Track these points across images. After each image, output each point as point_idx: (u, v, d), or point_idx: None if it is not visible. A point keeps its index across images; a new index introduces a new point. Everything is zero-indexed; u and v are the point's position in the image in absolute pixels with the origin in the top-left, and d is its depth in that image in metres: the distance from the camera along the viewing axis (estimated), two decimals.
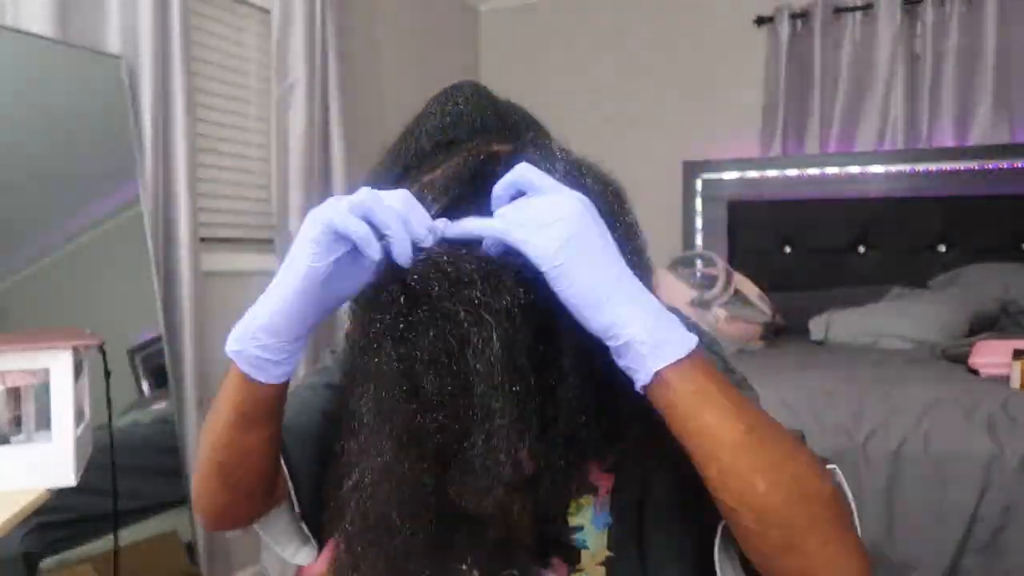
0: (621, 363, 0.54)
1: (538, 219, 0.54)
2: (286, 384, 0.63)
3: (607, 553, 0.66)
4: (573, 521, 0.67)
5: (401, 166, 0.65)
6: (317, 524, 0.74)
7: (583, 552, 0.66)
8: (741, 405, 0.54)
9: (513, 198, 0.57)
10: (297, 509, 0.73)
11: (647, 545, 0.65)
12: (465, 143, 0.65)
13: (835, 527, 0.54)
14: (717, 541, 0.60)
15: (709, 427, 0.53)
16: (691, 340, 0.54)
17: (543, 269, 0.53)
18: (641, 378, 0.53)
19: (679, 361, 0.53)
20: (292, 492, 0.72)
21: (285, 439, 0.70)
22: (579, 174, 0.63)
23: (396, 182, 0.62)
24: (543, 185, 0.56)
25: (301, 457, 0.73)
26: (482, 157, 0.63)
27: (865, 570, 0.54)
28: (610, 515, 0.66)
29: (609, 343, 0.54)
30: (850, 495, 0.57)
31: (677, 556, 0.64)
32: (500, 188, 0.58)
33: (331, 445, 0.68)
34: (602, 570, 0.66)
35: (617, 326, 0.53)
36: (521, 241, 0.53)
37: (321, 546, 0.77)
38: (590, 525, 0.67)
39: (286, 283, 0.57)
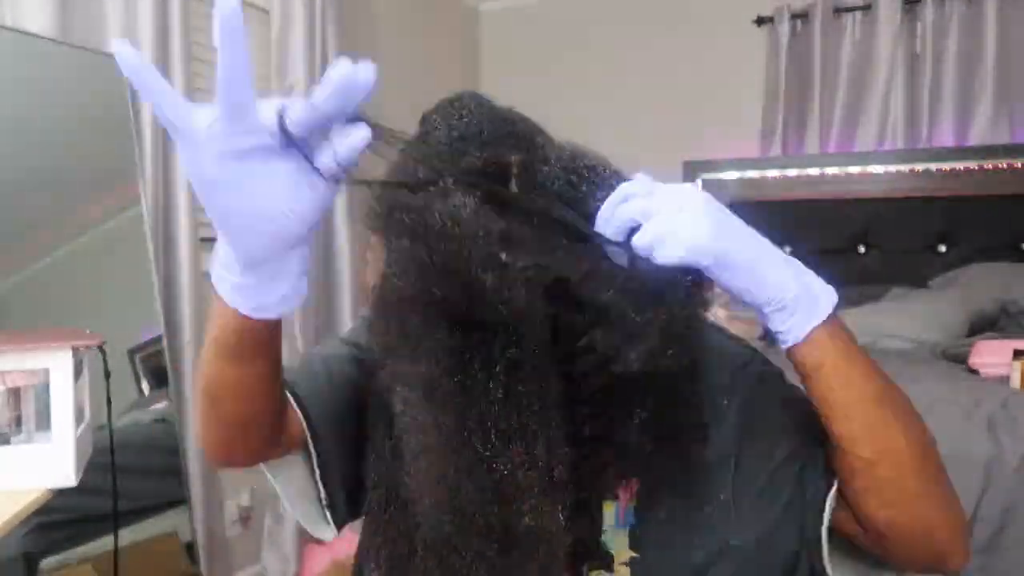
0: (775, 326, 0.57)
1: (678, 221, 0.54)
2: (276, 321, 0.59)
3: (631, 554, 0.67)
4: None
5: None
6: (340, 499, 0.74)
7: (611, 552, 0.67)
8: (874, 362, 0.59)
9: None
10: (323, 494, 0.73)
11: (671, 545, 0.66)
12: (475, 156, 0.63)
13: (948, 480, 0.61)
14: (824, 529, 0.62)
15: (854, 382, 0.57)
16: (834, 294, 0.58)
17: (705, 263, 0.54)
18: (796, 338, 0.56)
19: (829, 317, 0.57)
20: (315, 458, 0.71)
21: (309, 400, 0.71)
22: (597, 177, 0.62)
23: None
24: (651, 190, 0.57)
25: (328, 431, 0.72)
26: (494, 169, 0.62)
27: (967, 526, 0.62)
28: (634, 516, 0.67)
29: (767, 310, 0.56)
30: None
31: (743, 555, 0.65)
32: (607, 210, 0.57)
33: (358, 419, 0.71)
34: (626, 570, 0.67)
35: (782, 290, 0.55)
36: (674, 245, 0.54)
37: (340, 519, 0.76)
38: (612, 527, 0.67)
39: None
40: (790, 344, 0.57)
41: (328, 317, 2.56)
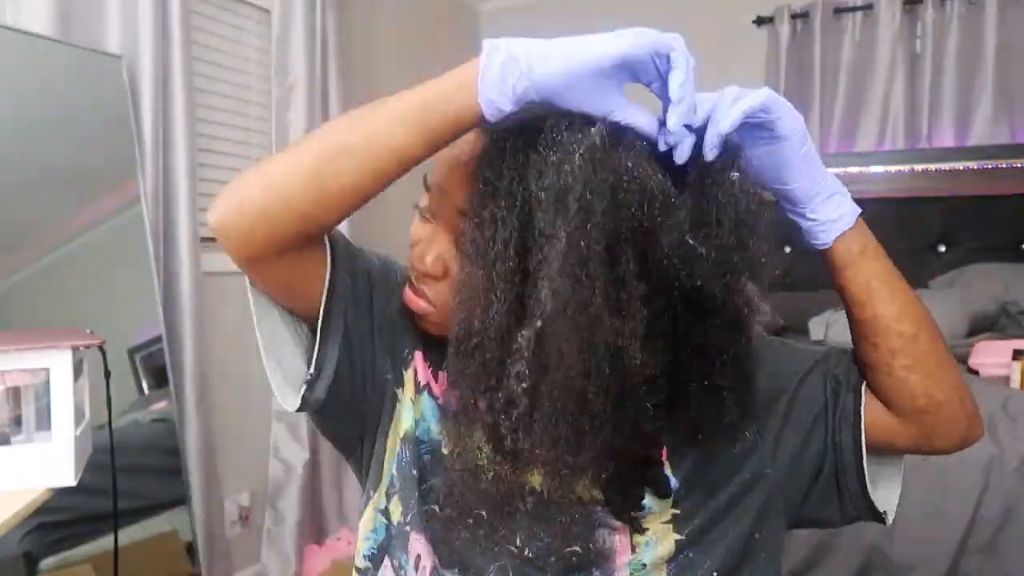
0: (824, 217, 0.63)
1: (781, 106, 0.59)
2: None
3: (673, 511, 0.68)
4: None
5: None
6: (328, 371, 0.69)
7: (650, 515, 0.67)
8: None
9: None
10: (314, 357, 0.68)
11: (714, 497, 0.69)
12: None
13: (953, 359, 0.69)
14: (863, 435, 0.69)
15: (889, 263, 0.66)
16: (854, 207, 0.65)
17: (801, 150, 0.60)
18: (847, 224, 0.64)
19: (861, 214, 0.65)
20: (325, 307, 0.67)
21: (338, 262, 0.68)
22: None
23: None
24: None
25: (341, 303, 0.69)
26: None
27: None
28: (674, 476, 0.68)
29: (815, 200, 0.63)
30: None
31: (742, 507, 0.69)
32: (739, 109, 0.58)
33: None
34: (669, 527, 0.67)
35: (832, 179, 0.63)
36: (779, 118, 0.58)
37: (314, 396, 0.69)
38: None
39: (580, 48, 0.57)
40: (842, 231, 0.63)
41: None
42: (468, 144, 0.62)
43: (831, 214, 0.63)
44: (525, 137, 0.56)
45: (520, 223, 0.55)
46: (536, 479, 0.64)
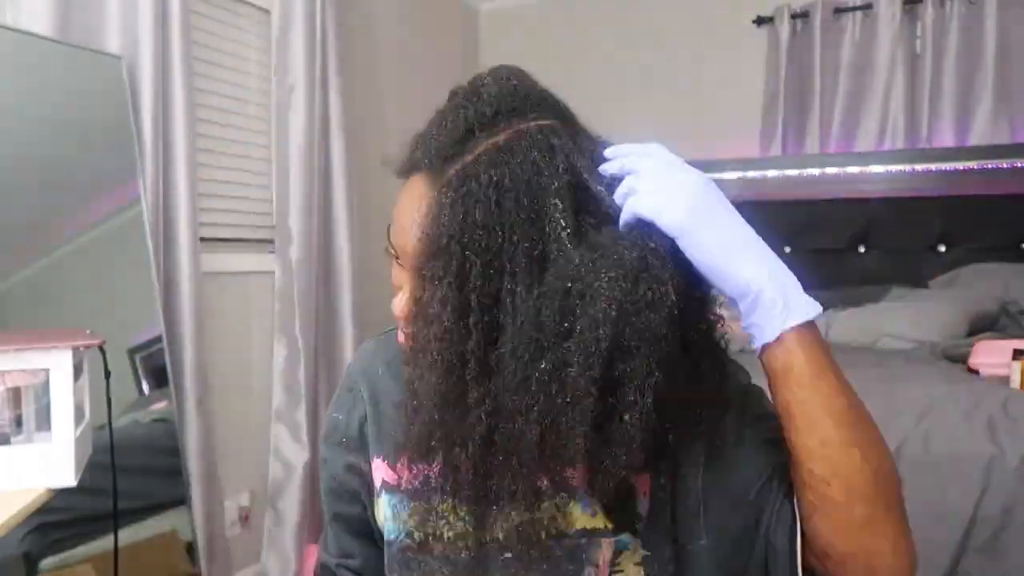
0: (748, 321, 0.57)
1: (665, 189, 0.56)
2: None
3: (643, 552, 0.68)
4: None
5: (463, 128, 0.61)
6: None
7: (624, 553, 0.68)
8: (845, 381, 0.57)
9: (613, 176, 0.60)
10: None
11: (681, 544, 0.67)
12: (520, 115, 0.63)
13: (903, 514, 0.58)
14: (799, 538, 0.61)
15: (820, 395, 0.56)
16: (816, 307, 0.57)
17: (674, 235, 0.56)
18: (767, 336, 0.56)
19: (804, 324, 0.56)
20: None
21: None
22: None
23: (459, 141, 0.60)
24: (651, 152, 0.60)
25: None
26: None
27: (915, 562, 0.58)
28: (641, 510, 0.68)
29: (741, 302, 0.57)
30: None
31: (714, 556, 0.66)
32: (607, 167, 0.60)
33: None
34: (639, 570, 0.68)
35: (752, 282, 0.56)
36: (653, 210, 0.56)
37: None
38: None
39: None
40: (760, 342, 0.57)
41: (328, 316, 2.56)
42: (416, 197, 0.62)
43: (749, 320, 0.57)
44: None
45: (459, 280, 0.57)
46: (502, 528, 0.64)
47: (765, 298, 0.56)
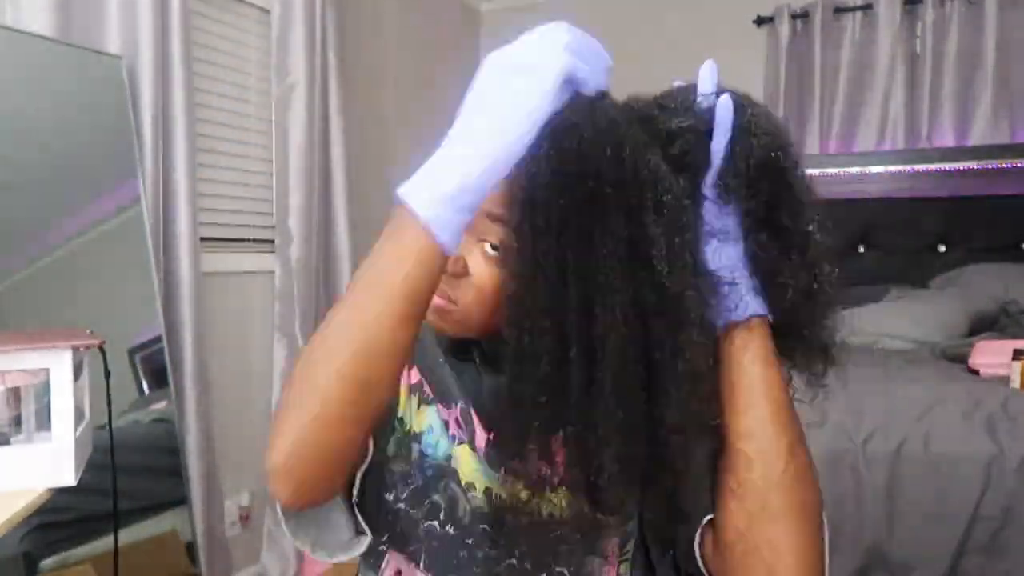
0: (733, 299, 0.60)
1: None
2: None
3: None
4: None
5: None
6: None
7: (632, 541, 0.71)
8: (788, 384, 0.62)
9: None
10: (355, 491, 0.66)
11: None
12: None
13: (818, 533, 0.59)
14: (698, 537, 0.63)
15: (766, 380, 0.60)
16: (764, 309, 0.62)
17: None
18: (738, 315, 0.60)
19: (765, 315, 0.61)
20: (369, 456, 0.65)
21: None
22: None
23: None
24: None
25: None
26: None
27: None
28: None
29: (726, 283, 0.60)
30: (827, 541, 0.61)
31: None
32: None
33: None
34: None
35: (745, 269, 0.61)
36: None
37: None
38: None
39: (508, 129, 0.53)
40: (733, 318, 0.60)
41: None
42: None
43: (728, 300, 0.60)
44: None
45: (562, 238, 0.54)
46: (559, 500, 0.63)
47: (748, 283, 0.61)
